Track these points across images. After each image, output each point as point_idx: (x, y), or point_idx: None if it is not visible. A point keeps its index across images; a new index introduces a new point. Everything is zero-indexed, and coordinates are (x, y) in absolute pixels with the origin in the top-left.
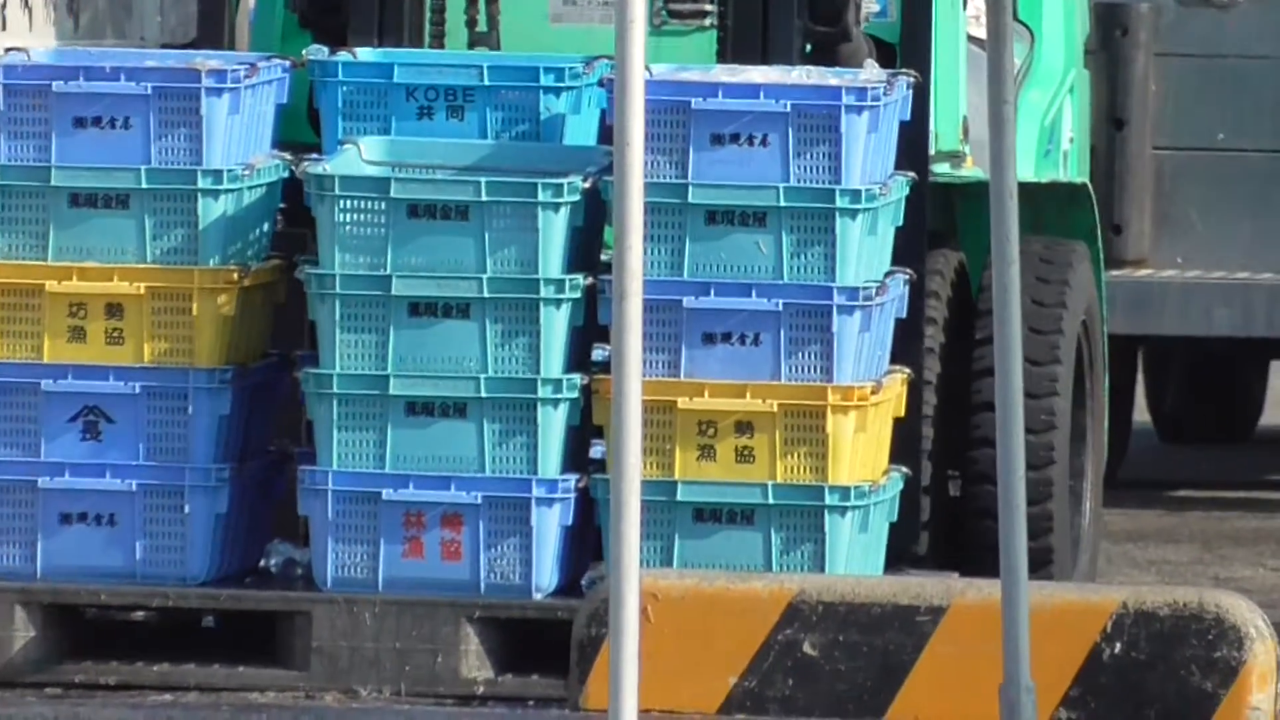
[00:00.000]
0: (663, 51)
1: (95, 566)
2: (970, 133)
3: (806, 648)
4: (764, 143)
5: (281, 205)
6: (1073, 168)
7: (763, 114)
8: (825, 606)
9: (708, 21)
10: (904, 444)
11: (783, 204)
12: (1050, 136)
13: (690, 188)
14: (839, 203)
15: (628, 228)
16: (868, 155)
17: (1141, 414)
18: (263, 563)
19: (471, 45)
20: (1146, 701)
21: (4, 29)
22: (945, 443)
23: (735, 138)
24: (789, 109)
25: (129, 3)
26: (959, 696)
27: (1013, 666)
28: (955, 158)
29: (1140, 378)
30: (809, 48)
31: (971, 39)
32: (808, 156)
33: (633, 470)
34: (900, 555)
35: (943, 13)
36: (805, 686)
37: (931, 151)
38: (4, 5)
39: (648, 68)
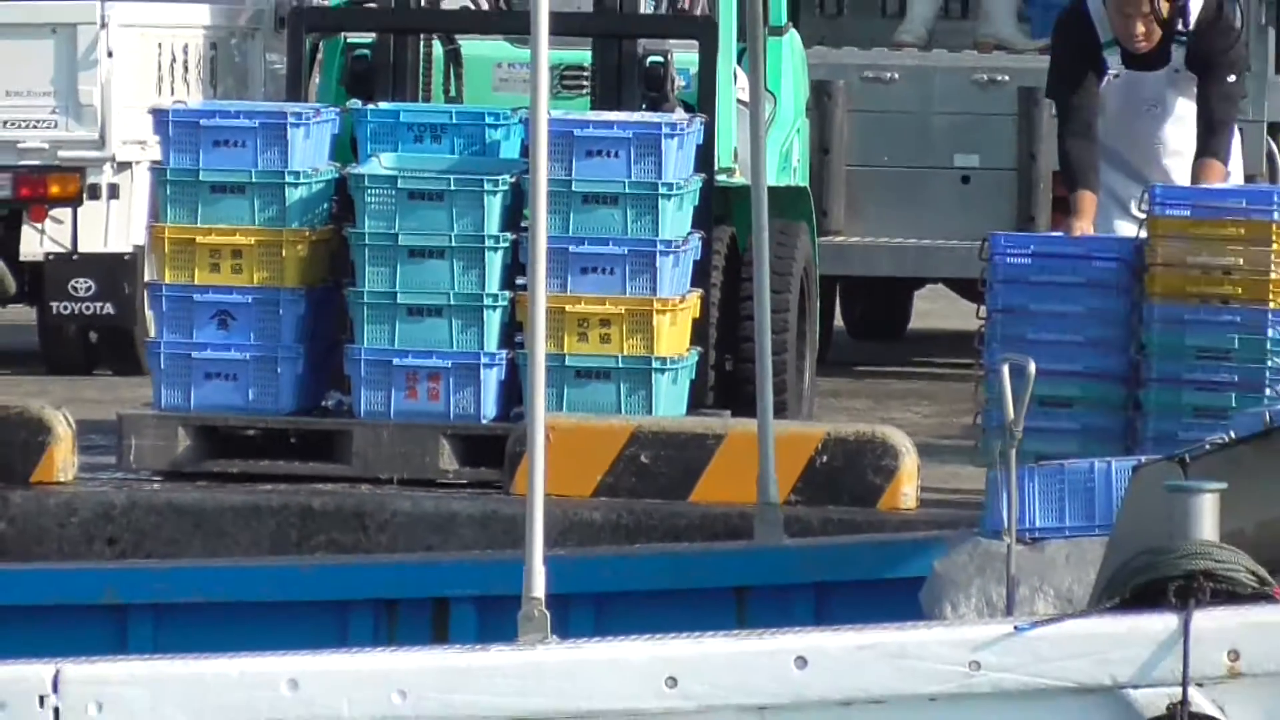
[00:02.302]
0: (557, 108)
1: (224, 404)
2: (739, 156)
3: (642, 458)
4: (616, 155)
5: (334, 196)
6: (800, 177)
7: (616, 138)
8: (653, 434)
9: (585, 92)
10: (698, 336)
11: (628, 191)
12: (786, 159)
13: (573, 181)
14: (660, 191)
15: (537, 204)
16: (677, 163)
17: (839, 321)
18: (324, 403)
19: (446, 102)
20: (842, 491)
21: (173, 93)
22: (723, 341)
23: (600, 152)
24: (631, 135)
25: (245, 80)
26: (732, 487)
27: (764, 470)
28: (729, 171)
29: (838, 300)
30: (644, 105)
31: (740, 101)
32: (642, 163)
33: (539, 349)
34: (697, 405)
35: (722, 85)
36: (642, 480)
37: (715, 166)
38: (172, 81)
39: (550, 113)
